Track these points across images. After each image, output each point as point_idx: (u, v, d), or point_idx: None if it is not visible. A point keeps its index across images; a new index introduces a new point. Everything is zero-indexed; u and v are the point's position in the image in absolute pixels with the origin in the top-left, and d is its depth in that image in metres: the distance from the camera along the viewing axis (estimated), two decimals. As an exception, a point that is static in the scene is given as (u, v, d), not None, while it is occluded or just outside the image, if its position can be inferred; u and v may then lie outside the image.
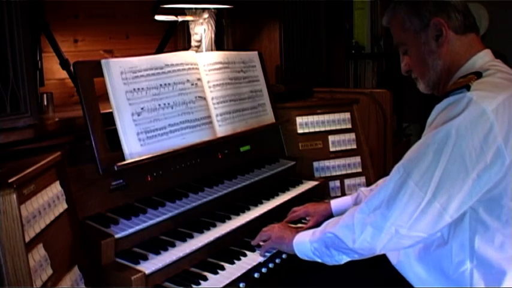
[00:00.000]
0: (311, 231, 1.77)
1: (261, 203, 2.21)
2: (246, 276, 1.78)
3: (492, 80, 1.52)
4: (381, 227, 1.52)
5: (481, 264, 1.51)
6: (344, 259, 1.66)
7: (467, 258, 1.52)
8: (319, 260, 1.71)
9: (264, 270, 1.82)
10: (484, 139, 1.41)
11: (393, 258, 1.71)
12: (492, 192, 1.46)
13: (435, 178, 1.45)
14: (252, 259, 1.88)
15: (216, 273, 1.77)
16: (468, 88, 1.46)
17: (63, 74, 2.19)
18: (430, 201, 1.46)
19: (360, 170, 2.83)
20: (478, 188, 1.45)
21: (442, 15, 1.61)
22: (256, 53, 2.61)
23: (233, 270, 1.80)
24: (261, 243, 1.94)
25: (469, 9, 1.66)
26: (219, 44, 2.79)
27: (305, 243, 1.74)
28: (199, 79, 2.20)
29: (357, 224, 1.57)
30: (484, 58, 1.62)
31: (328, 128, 2.81)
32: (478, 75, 1.53)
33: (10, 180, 1.29)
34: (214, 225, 1.96)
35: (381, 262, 1.72)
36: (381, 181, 2.15)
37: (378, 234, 1.53)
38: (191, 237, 1.86)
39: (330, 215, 2.17)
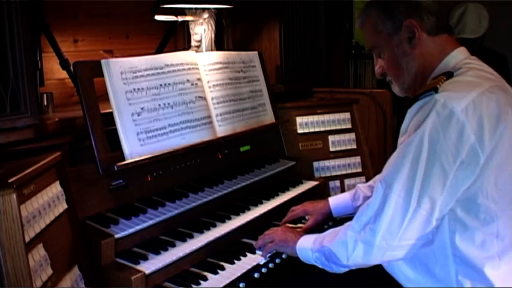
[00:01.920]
0: (313, 237, 1.77)
1: (261, 203, 2.21)
2: (246, 276, 1.78)
3: (462, 79, 1.52)
4: (371, 243, 1.53)
5: (463, 264, 1.51)
6: (342, 270, 1.67)
7: (451, 257, 1.53)
8: (321, 267, 1.72)
9: (264, 270, 1.82)
10: (457, 140, 1.42)
11: (384, 262, 1.71)
12: (468, 191, 1.47)
13: (416, 186, 1.46)
14: (252, 259, 1.89)
15: (216, 273, 1.77)
16: (436, 90, 1.47)
17: (63, 74, 2.19)
18: (415, 209, 1.47)
19: (360, 170, 2.84)
20: (456, 187, 1.46)
21: (415, 17, 1.61)
22: (256, 53, 2.61)
23: (233, 270, 1.80)
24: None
25: (441, 11, 1.65)
26: (219, 44, 2.79)
27: (307, 250, 1.75)
28: (199, 79, 2.20)
29: (349, 242, 1.58)
30: (457, 57, 1.62)
31: (328, 128, 2.81)
32: (449, 75, 1.54)
33: (10, 180, 1.29)
34: (214, 225, 1.96)
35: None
36: (377, 177, 2.16)
37: (370, 250, 1.54)
38: (191, 237, 1.86)
39: (328, 213, 2.18)
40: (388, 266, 1.70)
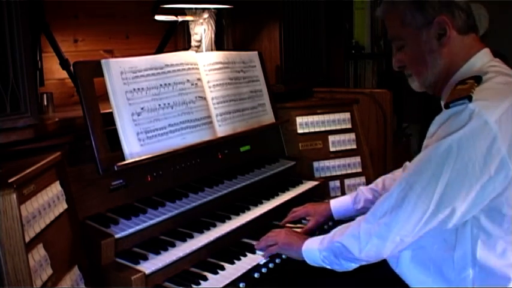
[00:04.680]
0: (319, 238, 1.76)
1: (261, 203, 2.21)
2: (246, 276, 1.78)
3: (493, 86, 1.48)
4: (385, 237, 1.53)
5: (482, 271, 1.50)
6: (353, 266, 1.66)
7: (469, 265, 1.51)
8: (329, 267, 1.72)
9: (264, 270, 1.82)
10: (487, 151, 1.39)
11: (393, 263, 1.70)
12: (495, 201, 1.45)
13: (438, 190, 1.43)
14: (252, 259, 1.88)
15: (216, 273, 1.77)
16: (470, 99, 1.41)
17: (63, 74, 2.19)
18: (433, 212, 1.45)
19: (360, 170, 2.83)
20: (482, 198, 1.44)
21: (447, 14, 1.55)
22: (256, 53, 2.61)
23: (233, 270, 1.80)
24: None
25: (471, 8, 1.61)
26: (219, 44, 2.79)
27: (314, 251, 1.74)
28: (199, 79, 2.20)
29: (363, 234, 1.57)
30: (483, 59, 1.58)
31: (328, 128, 2.81)
32: (478, 80, 1.49)
33: (10, 180, 1.29)
34: (214, 225, 1.96)
35: (380, 263, 1.71)
36: (379, 180, 2.15)
37: (383, 243, 1.54)
38: (191, 237, 1.86)
39: (329, 215, 2.17)
40: (399, 269, 1.70)
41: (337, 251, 1.65)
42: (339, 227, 1.72)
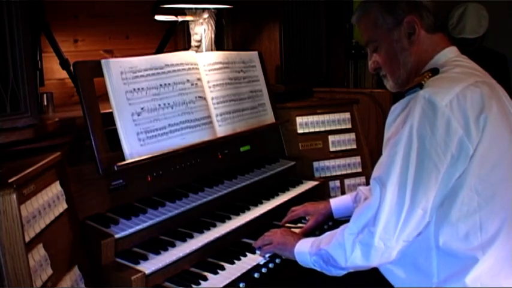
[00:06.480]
0: (310, 241, 1.77)
1: (261, 203, 2.21)
2: (246, 276, 1.78)
3: (447, 76, 1.56)
4: (370, 244, 1.53)
5: (446, 256, 1.52)
6: (342, 273, 1.67)
7: (434, 249, 1.53)
8: (320, 270, 1.72)
9: (264, 270, 1.82)
10: (445, 134, 1.44)
11: None
12: (455, 183, 1.48)
13: (409, 184, 1.47)
14: (252, 259, 1.89)
15: (216, 273, 1.77)
16: (421, 86, 1.50)
17: (63, 74, 2.19)
18: (410, 207, 1.47)
19: (360, 170, 2.84)
20: (448, 181, 1.47)
21: (415, 14, 1.65)
22: (256, 53, 2.61)
23: (233, 270, 1.80)
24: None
25: (438, 10, 1.69)
26: (219, 44, 2.79)
27: (305, 254, 1.75)
28: (199, 79, 2.20)
29: (347, 244, 1.58)
30: (447, 55, 1.66)
31: (328, 128, 2.81)
32: (435, 71, 1.57)
33: (10, 180, 1.29)
34: (214, 225, 1.96)
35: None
36: None
37: (368, 251, 1.54)
38: (191, 237, 1.86)
39: (329, 214, 2.18)
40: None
41: (325, 258, 1.67)
42: (328, 233, 1.73)
